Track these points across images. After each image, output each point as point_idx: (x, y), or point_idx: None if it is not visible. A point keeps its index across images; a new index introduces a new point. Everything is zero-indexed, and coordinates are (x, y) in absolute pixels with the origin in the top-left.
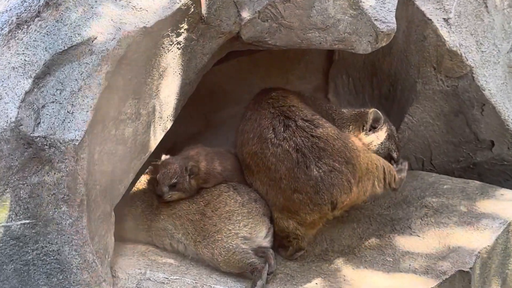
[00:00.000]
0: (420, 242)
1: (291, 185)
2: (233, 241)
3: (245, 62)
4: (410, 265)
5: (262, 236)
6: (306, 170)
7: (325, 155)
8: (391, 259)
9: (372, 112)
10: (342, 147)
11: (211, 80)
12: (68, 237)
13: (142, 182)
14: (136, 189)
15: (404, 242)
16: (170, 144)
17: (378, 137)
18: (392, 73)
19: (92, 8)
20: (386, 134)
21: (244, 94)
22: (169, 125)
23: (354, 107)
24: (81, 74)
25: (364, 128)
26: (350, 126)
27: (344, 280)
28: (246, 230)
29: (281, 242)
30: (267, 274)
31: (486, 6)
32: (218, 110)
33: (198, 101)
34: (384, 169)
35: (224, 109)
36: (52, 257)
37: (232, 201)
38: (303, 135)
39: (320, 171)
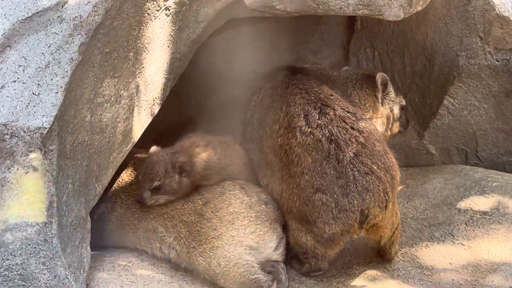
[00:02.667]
0: (465, 252)
1: (314, 181)
2: (235, 250)
3: (246, 34)
4: (453, 280)
5: (271, 247)
6: (337, 165)
7: (364, 153)
8: (430, 273)
9: (380, 75)
10: (383, 151)
11: (205, 55)
12: (35, 247)
13: (128, 173)
14: (120, 182)
15: (445, 252)
16: (156, 134)
17: (393, 109)
18: (428, 45)
19: None
20: (400, 105)
21: (245, 73)
22: (156, 109)
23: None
24: (48, 47)
25: (378, 96)
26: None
27: None
28: (253, 238)
29: (296, 255)
30: None
31: None
32: (214, 93)
33: (190, 82)
34: (398, 224)
35: (221, 91)
36: (15, 272)
37: (238, 201)
38: (341, 125)
39: (355, 169)
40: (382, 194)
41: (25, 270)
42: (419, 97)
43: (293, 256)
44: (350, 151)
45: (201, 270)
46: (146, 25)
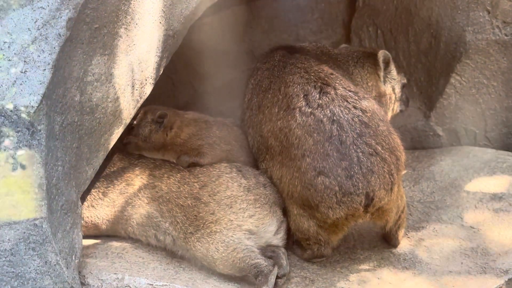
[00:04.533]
0: (474, 234)
1: (316, 164)
2: (234, 234)
3: (242, 13)
4: (462, 263)
5: (271, 231)
6: (340, 146)
7: (367, 133)
8: (438, 257)
9: (381, 53)
10: (387, 132)
11: (199, 36)
12: (24, 232)
13: (119, 157)
14: (112, 166)
15: (453, 235)
16: None
17: (395, 88)
18: (433, 21)
19: None
20: (402, 83)
21: (241, 54)
22: (148, 89)
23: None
24: (35, 22)
25: (380, 74)
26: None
27: (378, 284)
28: (252, 222)
29: (298, 241)
30: (279, 277)
31: None
32: (209, 76)
33: (183, 64)
34: (404, 207)
35: (217, 74)
36: (4, 259)
37: (236, 184)
38: (343, 105)
39: (358, 150)
40: (387, 176)
41: (14, 256)
42: (425, 76)
43: (294, 242)
44: (353, 131)
45: (199, 256)
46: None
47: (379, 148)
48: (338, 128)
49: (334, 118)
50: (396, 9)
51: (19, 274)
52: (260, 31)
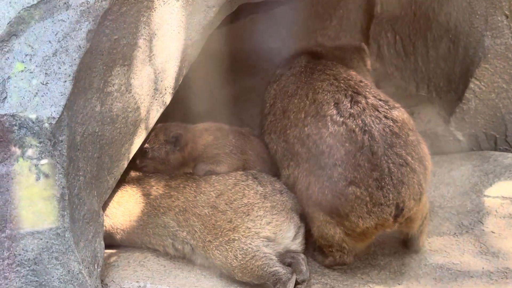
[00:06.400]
0: (495, 239)
1: (347, 174)
2: (252, 242)
3: (261, 21)
4: (483, 268)
5: (289, 237)
6: (371, 157)
7: (398, 144)
8: (458, 262)
9: (364, 45)
10: (416, 141)
11: (218, 44)
12: (47, 242)
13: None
14: (128, 174)
15: (474, 240)
16: None
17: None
18: (452, 26)
19: None
20: None
21: (261, 62)
22: (168, 99)
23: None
24: (55, 35)
25: (366, 65)
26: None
27: None
28: (269, 228)
29: (320, 247)
30: (299, 283)
31: None
32: (228, 84)
33: (203, 73)
34: (427, 213)
35: (236, 82)
36: (28, 268)
37: (252, 192)
38: (374, 114)
39: (389, 161)
40: (416, 186)
41: (38, 266)
42: (444, 82)
43: (315, 248)
44: (384, 142)
45: (218, 264)
46: (155, 10)
47: (409, 158)
48: (369, 138)
49: (366, 128)
50: (414, 14)
51: (43, 283)
52: (279, 39)
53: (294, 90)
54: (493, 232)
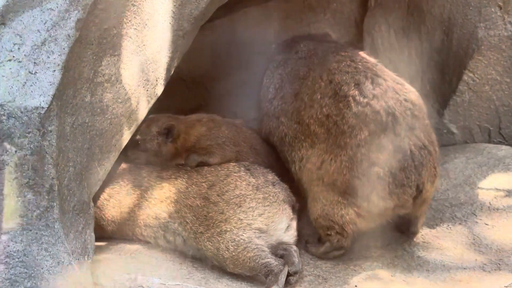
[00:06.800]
0: (489, 231)
1: (370, 155)
2: (244, 233)
3: (254, 14)
4: (476, 260)
5: (282, 229)
6: (394, 138)
7: (418, 127)
8: (451, 254)
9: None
10: (429, 126)
11: (211, 37)
12: (36, 233)
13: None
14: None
15: (467, 232)
16: None
17: None
18: (445, 18)
19: None
20: None
21: (254, 55)
22: (159, 90)
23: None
24: (44, 24)
25: None
26: None
27: (392, 281)
28: (261, 220)
29: (312, 237)
30: (291, 275)
31: None
32: (221, 78)
33: (196, 66)
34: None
35: (229, 75)
36: (17, 259)
37: (244, 183)
38: (395, 97)
39: (411, 143)
40: (433, 168)
41: (27, 257)
42: (438, 74)
43: (308, 240)
44: (406, 124)
45: (210, 256)
46: (145, 0)
47: (427, 141)
48: (392, 120)
49: (389, 110)
50: (408, 7)
51: (32, 275)
52: (272, 31)
53: (306, 72)
54: (486, 224)
